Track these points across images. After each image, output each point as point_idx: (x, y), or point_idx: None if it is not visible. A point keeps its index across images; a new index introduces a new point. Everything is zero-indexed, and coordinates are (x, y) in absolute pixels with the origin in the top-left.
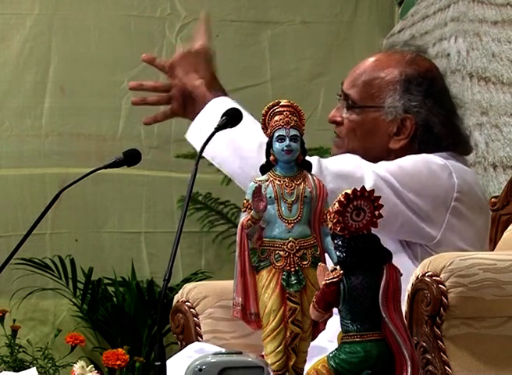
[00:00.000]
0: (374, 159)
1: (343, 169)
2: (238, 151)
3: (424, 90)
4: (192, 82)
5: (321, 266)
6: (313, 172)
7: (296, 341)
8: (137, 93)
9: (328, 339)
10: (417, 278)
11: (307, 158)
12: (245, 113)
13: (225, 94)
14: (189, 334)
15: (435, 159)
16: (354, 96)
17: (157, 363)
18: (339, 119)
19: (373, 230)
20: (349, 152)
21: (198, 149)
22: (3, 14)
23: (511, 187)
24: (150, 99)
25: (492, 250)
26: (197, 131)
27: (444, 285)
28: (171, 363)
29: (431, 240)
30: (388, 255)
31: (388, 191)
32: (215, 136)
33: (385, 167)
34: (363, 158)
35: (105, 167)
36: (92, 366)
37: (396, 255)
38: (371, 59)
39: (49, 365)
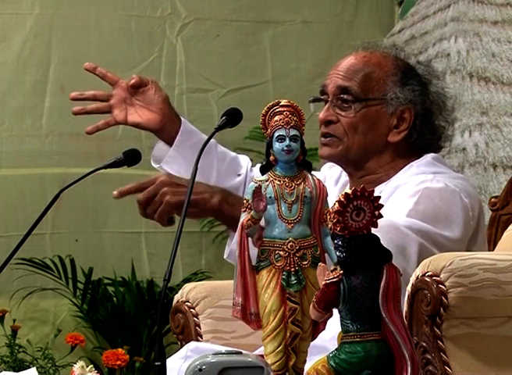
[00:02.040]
0: (371, 154)
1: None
2: None
3: (420, 80)
4: None
5: (321, 266)
6: None
7: (296, 341)
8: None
9: (328, 339)
10: (417, 278)
11: None
12: None
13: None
14: (189, 334)
15: (442, 189)
16: (356, 89)
17: (157, 363)
18: (333, 117)
19: None
20: (348, 149)
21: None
22: (3, 14)
23: (511, 187)
24: (89, 107)
25: (492, 250)
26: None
27: (444, 285)
28: (168, 363)
29: None
30: (388, 255)
31: (431, 246)
32: None
33: (413, 218)
34: (361, 153)
35: (105, 167)
36: (92, 366)
37: None
38: (358, 56)
39: (49, 365)
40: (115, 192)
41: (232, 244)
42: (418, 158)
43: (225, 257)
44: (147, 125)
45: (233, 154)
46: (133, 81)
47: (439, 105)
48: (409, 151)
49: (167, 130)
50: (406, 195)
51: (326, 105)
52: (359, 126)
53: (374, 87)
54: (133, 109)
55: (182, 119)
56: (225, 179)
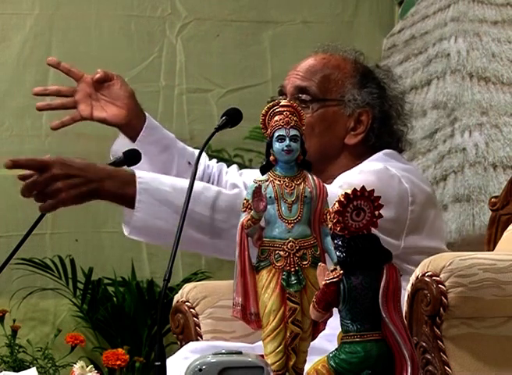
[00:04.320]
0: (328, 156)
1: None
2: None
3: (379, 83)
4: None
5: (321, 266)
6: None
7: (297, 341)
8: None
9: (328, 339)
10: (417, 278)
11: None
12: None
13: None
14: (189, 334)
15: (381, 170)
16: (314, 89)
17: (157, 363)
18: None
19: None
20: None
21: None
22: (3, 14)
23: (511, 187)
24: (54, 103)
25: (492, 250)
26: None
27: (444, 285)
28: (168, 363)
29: (395, 250)
30: (388, 255)
31: None
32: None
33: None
34: (318, 155)
35: None
36: (92, 366)
37: None
38: (318, 57)
39: (49, 365)
40: (8, 160)
41: (135, 221)
42: None
43: (126, 234)
44: (113, 120)
45: (191, 149)
46: (97, 75)
47: (397, 109)
48: (367, 154)
49: (132, 125)
50: (345, 176)
51: None
52: (316, 126)
53: (332, 88)
54: (99, 104)
55: (146, 114)
56: (184, 173)
